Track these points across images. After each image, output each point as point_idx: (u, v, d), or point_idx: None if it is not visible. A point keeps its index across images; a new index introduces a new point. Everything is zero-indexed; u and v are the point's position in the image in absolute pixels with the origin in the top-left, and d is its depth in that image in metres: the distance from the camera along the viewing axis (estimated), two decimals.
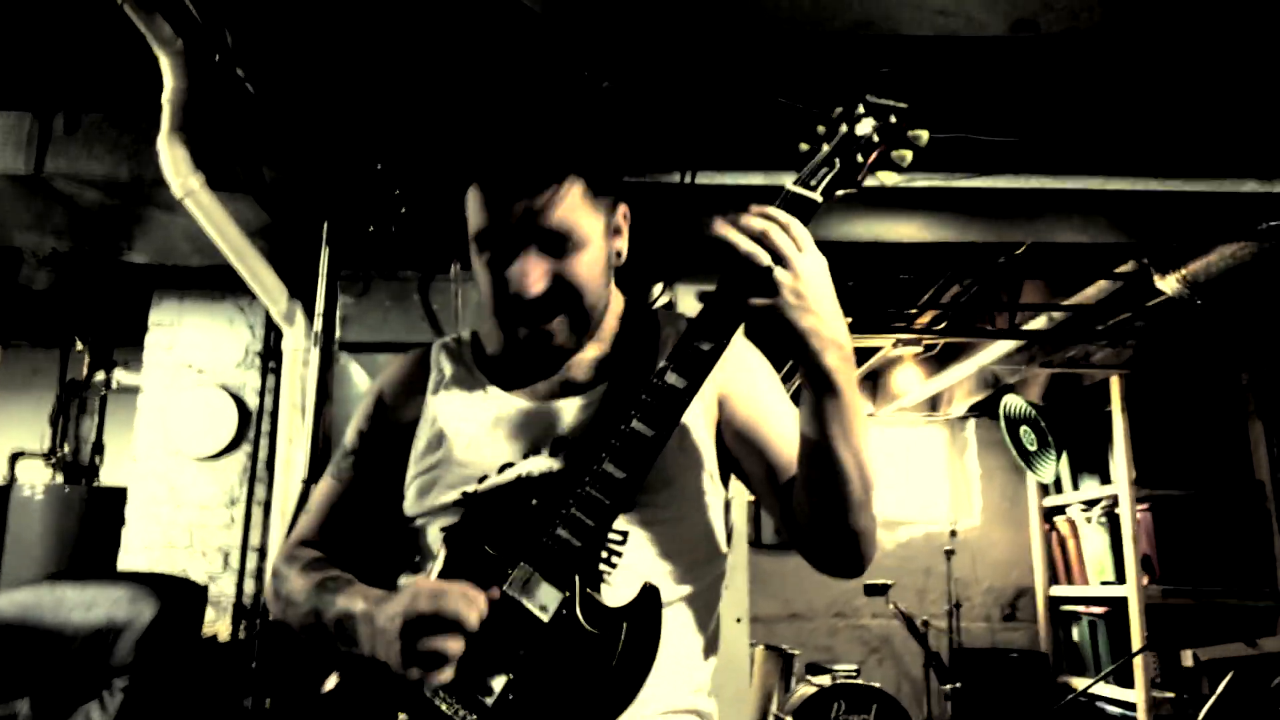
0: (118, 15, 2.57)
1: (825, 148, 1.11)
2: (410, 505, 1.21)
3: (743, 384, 1.22)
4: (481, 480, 1.16)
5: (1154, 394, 5.33)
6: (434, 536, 1.17)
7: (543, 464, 1.15)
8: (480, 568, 1.04)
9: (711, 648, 1.20)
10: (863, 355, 5.35)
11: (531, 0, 2.33)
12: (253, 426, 4.27)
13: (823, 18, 2.45)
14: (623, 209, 1.24)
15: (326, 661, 1.12)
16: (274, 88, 2.89)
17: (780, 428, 1.19)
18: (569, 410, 1.18)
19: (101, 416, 5.49)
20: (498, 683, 0.99)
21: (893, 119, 1.11)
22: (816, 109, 1.14)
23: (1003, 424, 5.83)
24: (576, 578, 1.02)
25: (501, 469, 1.16)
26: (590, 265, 1.16)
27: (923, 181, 3.17)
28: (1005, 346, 4.77)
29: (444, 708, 0.98)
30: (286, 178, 3.25)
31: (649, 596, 1.03)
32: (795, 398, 1.13)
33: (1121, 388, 5.31)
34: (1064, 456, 5.95)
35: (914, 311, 4.76)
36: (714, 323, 1.04)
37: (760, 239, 1.00)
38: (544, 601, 1.01)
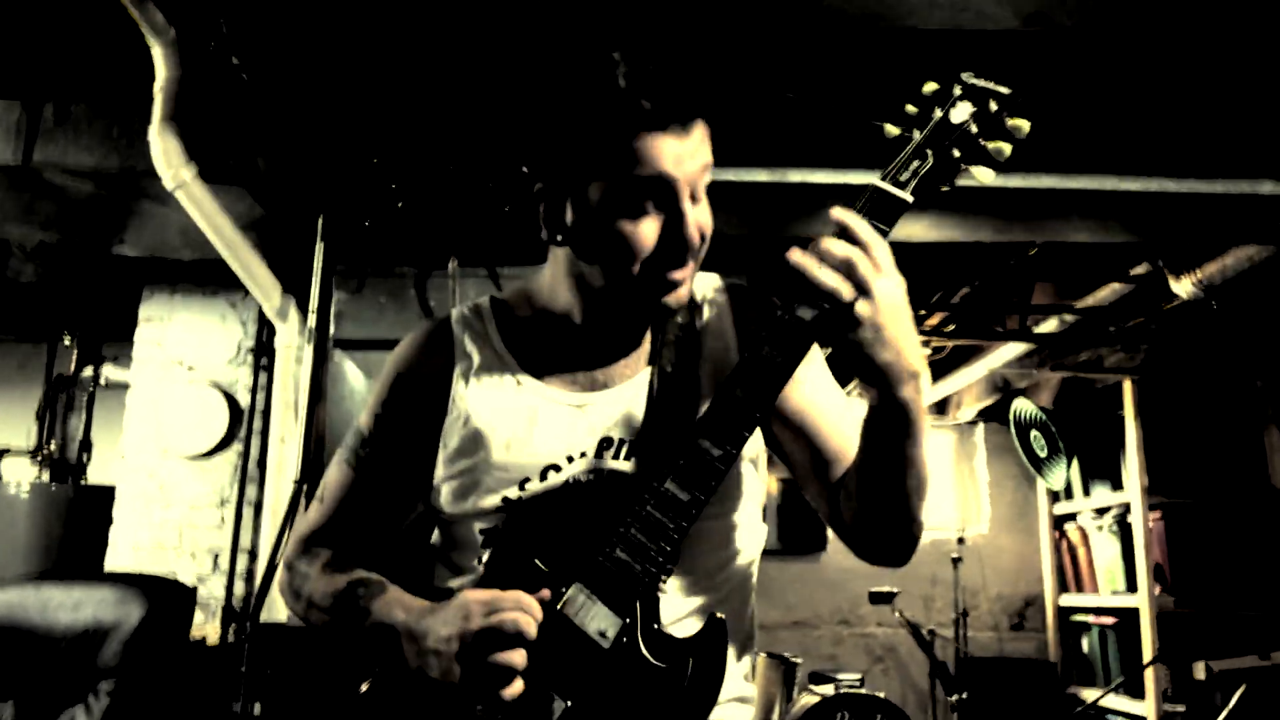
0: (109, 2, 2.58)
1: (916, 135, 1.03)
2: (445, 505, 1.17)
3: (800, 371, 1.14)
4: (523, 484, 1.12)
5: (1167, 399, 5.33)
6: (473, 532, 1.14)
7: (590, 468, 1.11)
8: (529, 582, 1.00)
9: (750, 640, 1.20)
10: None
11: None
12: (244, 425, 4.27)
13: (832, 11, 2.45)
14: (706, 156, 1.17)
15: (361, 662, 1.10)
16: (269, 77, 2.89)
17: (832, 417, 1.17)
18: (614, 406, 1.14)
19: (89, 413, 5.50)
20: (556, 708, 0.96)
21: (993, 105, 1.03)
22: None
23: (1012, 429, 5.83)
24: (637, 604, 0.99)
25: (544, 473, 1.12)
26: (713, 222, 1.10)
27: None
28: (1015, 349, 4.77)
29: None
30: (281, 170, 3.25)
31: (715, 629, 1.01)
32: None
33: (1134, 393, 5.31)
34: (1075, 462, 5.95)
35: (922, 313, 4.76)
36: (785, 344, 0.98)
37: (845, 268, 0.95)
38: (603, 627, 0.97)
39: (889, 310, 0.96)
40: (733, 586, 1.16)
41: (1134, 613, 5.21)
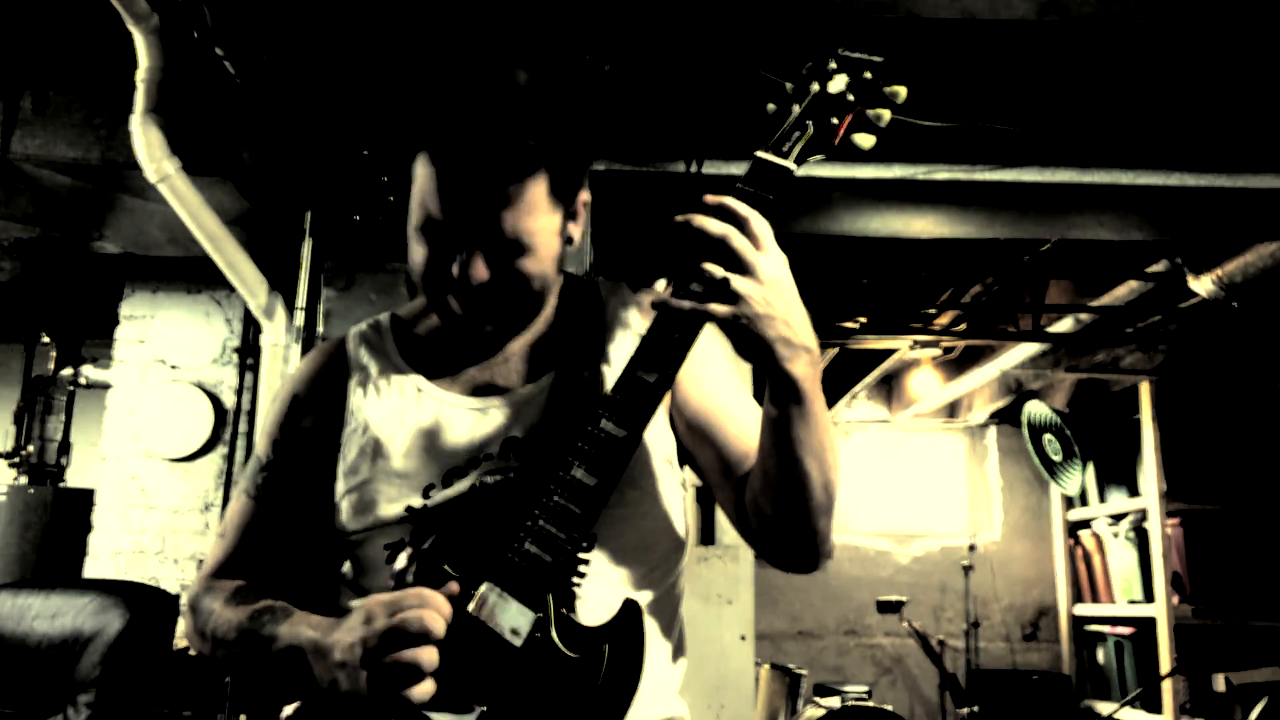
0: None
1: (796, 109, 1.09)
2: (347, 521, 1.16)
3: (696, 367, 1.16)
4: (427, 492, 1.12)
5: (1186, 402, 5.33)
6: (377, 553, 1.14)
7: (494, 470, 1.12)
8: (438, 588, 0.99)
9: (680, 650, 1.19)
10: (877, 358, 5.35)
11: None
12: (229, 427, 4.27)
13: (840, 2, 2.45)
14: (584, 196, 1.20)
15: (279, 689, 1.10)
16: (255, 67, 2.89)
17: (737, 418, 1.18)
18: (517, 407, 1.16)
19: (69, 414, 5.50)
20: (471, 716, 0.96)
21: (867, 74, 1.09)
22: (768, 103, 1.13)
23: (1025, 432, 5.83)
24: (549, 597, 0.99)
25: (448, 478, 1.12)
26: (540, 261, 1.12)
27: (943, 173, 3.16)
28: (1029, 350, 4.77)
29: None
30: (267, 163, 3.25)
31: (630, 613, 1.01)
32: (758, 396, 1.13)
33: (1152, 395, 5.31)
34: (1090, 467, 5.95)
35: (932, 312, 4.77)
36: (677, 325, 1.02)
37: (718, 245, 0.98)
38: (515, 624, 0.97)
39: (773, 284, 0.99)
40: (654, 594, 1.14)
41: (1151, 623, 5.21)
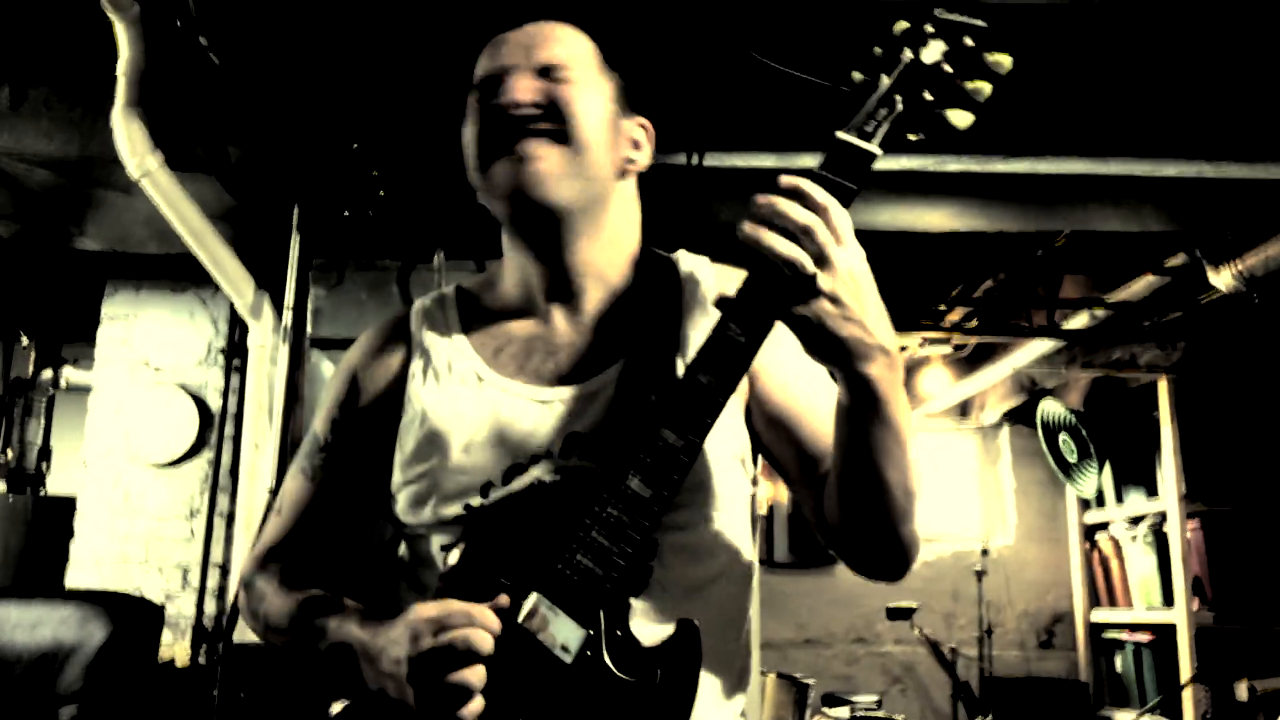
0: None
1: (885, 80, 1.00)
2: (403, 513, 1.16)
3: (777, 359, 1.13)
4: (485, 489, 1.10)
5: (1206, 399, 5.33)
6: (434, 548, 1.13)
7: (555, 469, 1.09)
8: (488, 595, 0.98)
9: (742, 675, 1.15)
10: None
11: None
12: (215, 430, 4.27)
13: None
14: (641, 119, 1.23)
15: (327, 684, 1.10)
16: (240, 58, 2.89)
17: (817, 413, 1.14)
18: (581, 401, 1.12)
19: (49, 418, 5.49)
20: None
21: (968, 41, 1.00)
22: (853, 71, 1.06)
23: (1040, 432, 5.83)
24: (601, 613, 0.97)
25: (507, 475, 1.10)
26: (589, 104, 1.15)
27: (954, 165, 3.16)
28: (1043, 347, 4.77)
29: None
30: (253, 157, 3.25)
31: (686, 634, 0.98)
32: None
33: (1170, 392, 5.31)
34: (1107, 468, 5.95)
35: (942, 308, 4.76)
36: (755, 309, 0.96)
37: (803, 235, 0.93)
38: (565, 640, 0.96)
39: (850, 280, 0.94)
40: (714, 607, 1.10)
41: (1171, 629, 5.21)
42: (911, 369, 5.90)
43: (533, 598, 0.97)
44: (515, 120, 1.11)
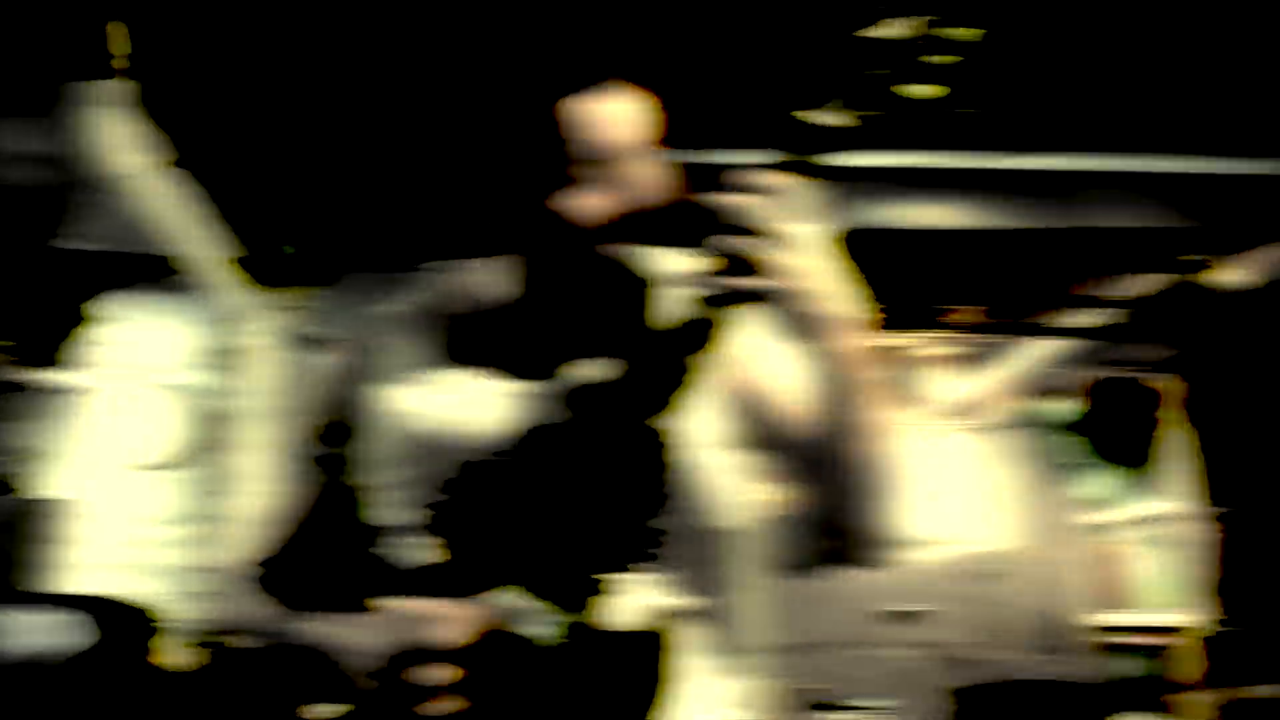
0: None
1: (841, 58, 1.04)
2: (381, 510, 1.20)
3: (749, 354, 1.18)
4: (459, 482, 1.13)
5: (1216, 400, 5.33)
6: (409, 543, 1.16)
7: (529, 459, 1.11)
8: (470, 583, 1.02)
9: (737, 657, 1.19)
10: (888, 355, 5.35)
11: None
12: (207, 432, 4.27)
13: None
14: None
15: (310, 682, 1.12)
16: (232, 56, 2.89)
17: (798, 400, 1.18)
18: (551, 395, 1.15)
19: (38, 421, 5.49)
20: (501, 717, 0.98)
21: (927, 18, 1.03)
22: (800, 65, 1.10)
23: (1045, 432, 5.83)
24: (580, 599, 1.00)
25: (492, 464, 1.13)
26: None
27: (955, 161, 3.17)
28: (1048, 346, 4.77)
29: None
30: (246, 156, 3.25)
31: (662, 620, 1.02)
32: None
33: (1179, 393, 5.31)
34: (1114, 469, 5.95)
35: (944, 307, 4.77)
36: (711, 312, 1.02)
37: (755, 219, 0.99)
38: (545, 626, 0.99)
39: (809, 255, 1.00)
40: (703, 595, 1.15)
41: (1180, 632, 5.21)
42: (913, 368, 5.90)
43: (512, 586, 1.01)
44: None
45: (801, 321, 1.01)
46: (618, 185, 1.17)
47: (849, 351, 1.03)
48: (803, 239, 1.00)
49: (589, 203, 1.14)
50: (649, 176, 1.21)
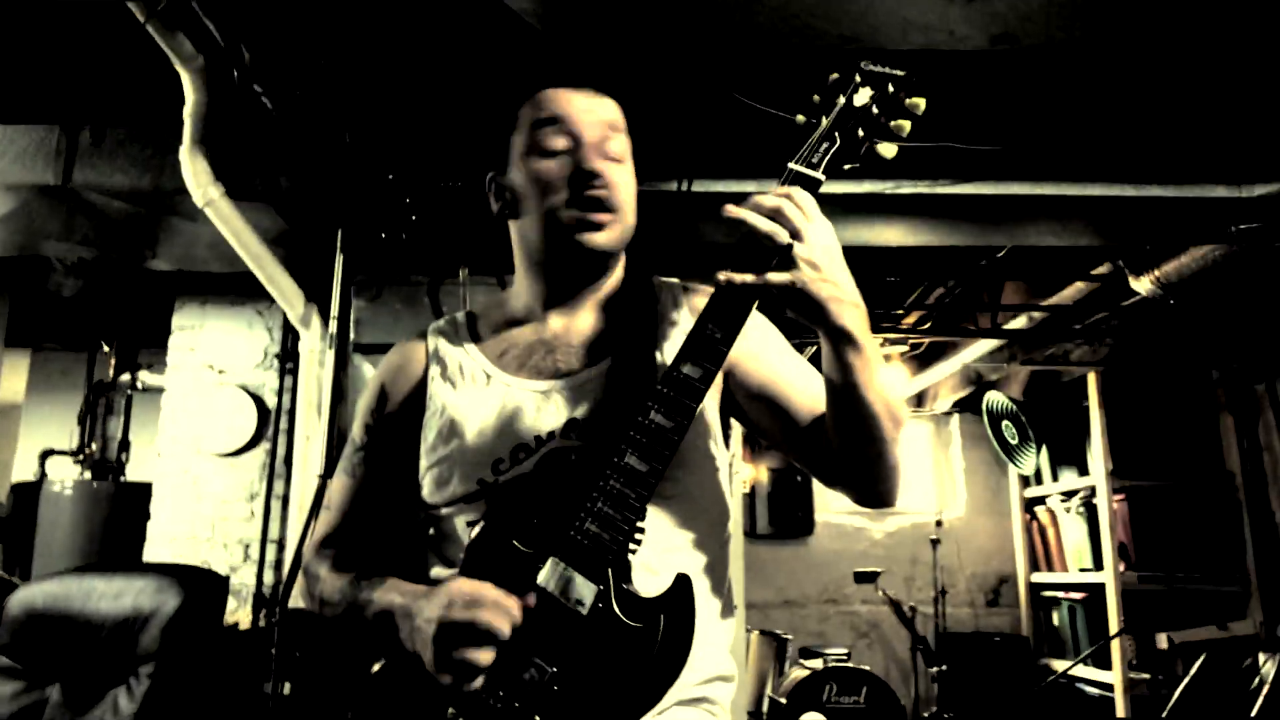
0: (141, 33, 2.57)
1: (824, 121, 1.07)
2: (429, 494, 1.18)
3: (749, 349, 1.18)
4: (497, 467, 1.13)
5: (1129, 390, 5.33)
6: (459, 525, 1.15)
7: (558, 448, 1.11)
8: (510, 563, 1.01)
9: (729, 608, 1.19)
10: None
11: (531, 16, 2.33)
12: (271, 424, 4.27)
13: (811, 35, 2.45)
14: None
15: (371, 648, 1.12)
16: (290, 102, 2.89)
17: (797, 381, 1.18)
18: (576, 390, 1.15)
19: (127, 416, 5.49)
20: (543, 673, 0.97)
21: (890, 88, 1.07)
22: (797, 114, 1.11)
23: (985, 419, 5.83)
24: (609, 571, 1.00)
25: (515, 454, 1.13)
26: (633, 182, 1.23)
27: (908, 188, 3.17)
28: (987, 345, 4.77)
29: (490, 700, 0.97)
30: (302, 187, 3.25)
31: (683, 585, 1.02)
32: (814, 361, 1.13)
33: (1098, 384, 5.31)
34: (1044, 449, 5.95)
35: (900, 312, 4.77)
36: (729, 306, 1.02)
37: (775, 216, 1.00)
38: (580, 596, 0.99)
39: (823, 248, 1.01)
40: (701, 558, 1.14)
41: (1100, 588, 5.21)
42: None
43: (550, 560, 1.00)
44: (595, 179, 1.16)
45: (812, 302, 1.00)
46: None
47: (852, 319, 1.02)
48: (811, 228, 1.00)
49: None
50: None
